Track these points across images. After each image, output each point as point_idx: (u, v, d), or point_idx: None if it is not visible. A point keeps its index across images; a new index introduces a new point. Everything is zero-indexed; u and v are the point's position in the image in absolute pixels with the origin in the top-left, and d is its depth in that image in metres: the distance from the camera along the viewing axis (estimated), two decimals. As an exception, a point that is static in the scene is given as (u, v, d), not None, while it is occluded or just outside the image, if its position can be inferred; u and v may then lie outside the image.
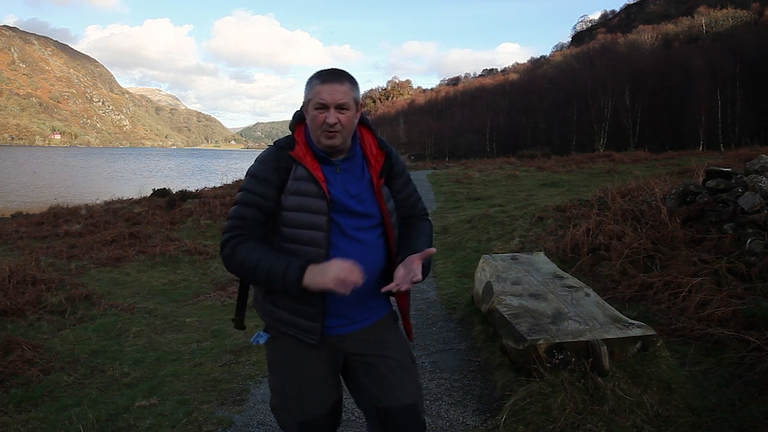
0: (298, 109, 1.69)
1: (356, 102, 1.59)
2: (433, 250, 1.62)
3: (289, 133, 1.69)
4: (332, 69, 1.59)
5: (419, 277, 1.54)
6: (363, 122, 1.69)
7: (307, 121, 1.60)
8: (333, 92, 1.53)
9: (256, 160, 1.65)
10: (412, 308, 1.86)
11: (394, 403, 1.65)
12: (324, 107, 1.53)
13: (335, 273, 1.44)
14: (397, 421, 1.66)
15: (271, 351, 1.73)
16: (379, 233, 1.65)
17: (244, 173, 1.72)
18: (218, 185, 20.54)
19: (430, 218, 1.83)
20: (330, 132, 1.54)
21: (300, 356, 1.66)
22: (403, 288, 1.53)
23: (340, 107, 1.53)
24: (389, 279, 1.63)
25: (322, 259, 1.52)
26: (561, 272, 4.23)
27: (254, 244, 1.56)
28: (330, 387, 1.71)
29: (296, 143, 1.62)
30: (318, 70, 1.61)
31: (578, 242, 5.58)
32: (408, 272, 1.54)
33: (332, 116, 1.52)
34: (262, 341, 1.71)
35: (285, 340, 1.67)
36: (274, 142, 1.66)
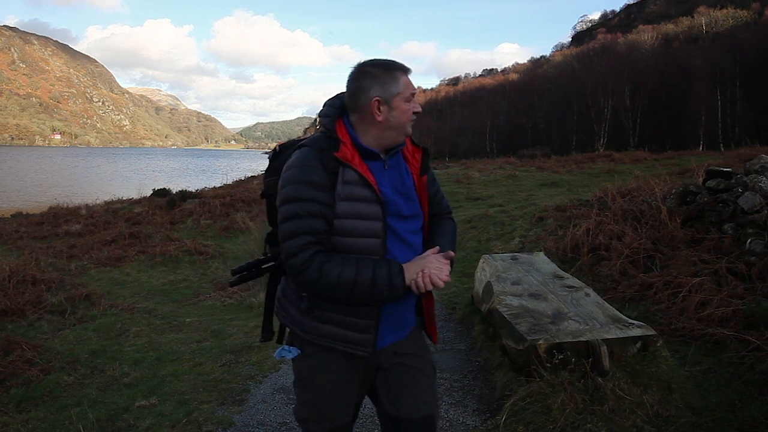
0: (330, 104, 1.58)
1: None
2: (452, 254, 1.51)
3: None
4: (394, 60, 1.55)
5: (440, 282, 1.45)
6: None
7: (391, 117, 1.50)
8: (412, 82, 1.55)
9: (297, 165, 1.47)
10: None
11: (413, 415, 1.62)
12: (413, 97, 1.53)
13: (429, 276, 1.43)
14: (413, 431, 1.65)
15: (302, 366, 1.64)
16: (423, 235, 1.61)
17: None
18: (218, 185, 20.55)
19: (453, 219, 1.77)
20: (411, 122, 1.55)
21: (337, 372, 1.60)
22: (429, 287, 1.45)
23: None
24: None
25: None
26: (561, 272, 4.23)
27: (339, 259, 1.44)
28: (358, 395, 1.69)
29: (341, 143, 1.48)
30: (381, 60, 1.54)
31: (578, 242, 5.58)
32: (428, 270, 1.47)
33: (418, 105, 1.55)
34: (290, 356, 1.62)
35: (322, 355, 1.59)
36: (308, 144, 1.52)
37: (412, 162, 1.61)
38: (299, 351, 1.62)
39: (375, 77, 1.48)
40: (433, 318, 1.70)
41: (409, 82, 1.52)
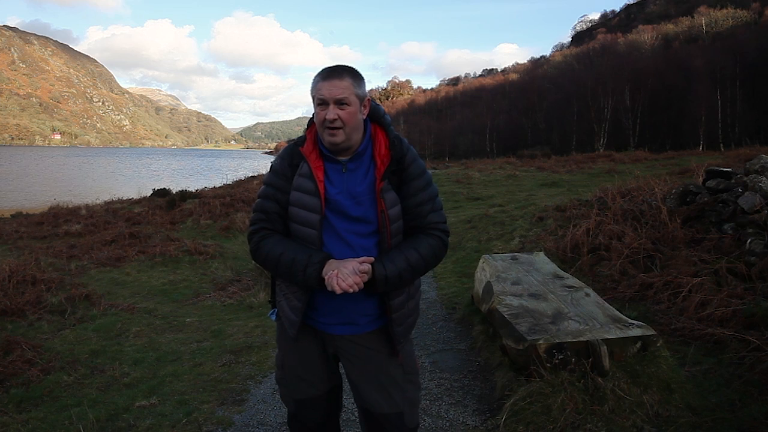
0: None
1: (360, 97, 1.56)
2: (366, 267, 1.50)
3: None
4: (334, 65, 1.58)
5: (337, 288, 1.46)
6: (378, 120, 1.66)
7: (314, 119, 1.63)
8: (332, 88, 1.52)
9: (276, 156, 1.73)
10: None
11: (376, 410, 1.69)
12: (324, 103, 1.53)
13: (335, 277, 1.48)
14: (379, 427, 1.71)
15: (277, 328, 1.81)
16: (377, 241, 1.61)
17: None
18: (218, 185, 20.55)
19: (441, 236, 1.67)
20: (331, 129, 1.54)
21: (291, 341, 1.73)
22: (330, 287, 1.48)
23: (340, 103, 1.52)
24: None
25: None
26: (561, 272, 4.23)
27: (277, 238, 1.62)
28: (324, 373, 1.77)
29: (306, 140, 1.65)
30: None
31: (578, 242, 5.58)
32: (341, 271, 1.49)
33: (331, 112, 1.52)
34: (273, 318, 1.81)
35: (282, 322, 1.76)
36: (294, 139, 1.72)
37: (379, 167, 1.61)
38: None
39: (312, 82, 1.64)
40: (390, 327, 1.66)
41: (322, 87, 1.53)
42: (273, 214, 1.64)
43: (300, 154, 1.62)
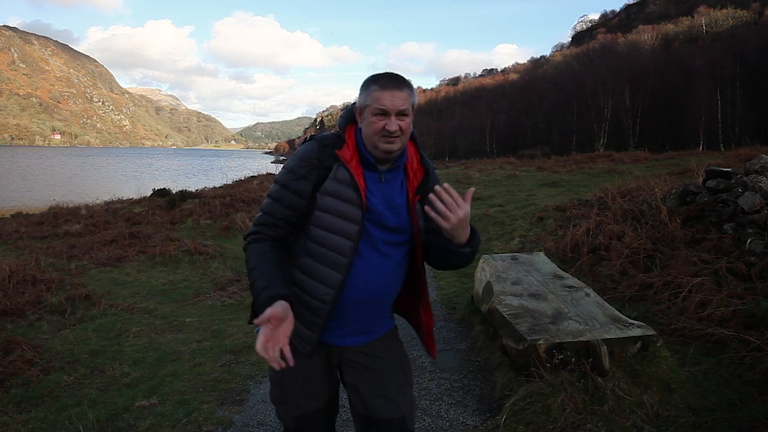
0: (348, 107, 1.64)
1: (413, 107, 1.55)
2: (445, 186, 1.43)
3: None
4: (390, 74, 1.54)
5: (454, 216, 1.43)
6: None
7: (362, 126, 1.55)
8: (394, 99, 1.48)
9: (295, 155, 1.60)
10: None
11: (379, 416, 1.65)
12: (384, 114, 1.49)
13: (262, 343, 1.34)
14: None
15: None
16: (407, 251, 1.62)
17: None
18: (218, 185, 20.55)
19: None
20: (389, 137, 1.50)
21: (298, 356, 1.64)
22: (445, 214, 1.41)
23: (401, 114, 1.50)
24: (404, 299, 1.67)
25: (342, 268, 1.51)
26: (561, 272, 4.23)
27: (264, 248, 1.53)
28: (326, 384, 1.73)
29: (345, 144, 1.57)
30: (374, 74, 1.56)
31: (578, 242, 5.59)
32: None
33: (393, 123, 1.48)
34: None
35: None
36: (316, 138, 1.61)
37: (412, 180, 1.61)
38: None
39: (361, 87, 1.57)
40: (431, 332, 1.71)
41: (382, 97, 1.48)
42: (280, 219, 1.55)
43: (334, 156, 1.54)
